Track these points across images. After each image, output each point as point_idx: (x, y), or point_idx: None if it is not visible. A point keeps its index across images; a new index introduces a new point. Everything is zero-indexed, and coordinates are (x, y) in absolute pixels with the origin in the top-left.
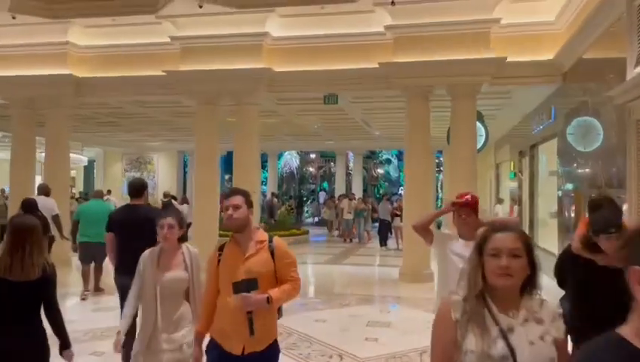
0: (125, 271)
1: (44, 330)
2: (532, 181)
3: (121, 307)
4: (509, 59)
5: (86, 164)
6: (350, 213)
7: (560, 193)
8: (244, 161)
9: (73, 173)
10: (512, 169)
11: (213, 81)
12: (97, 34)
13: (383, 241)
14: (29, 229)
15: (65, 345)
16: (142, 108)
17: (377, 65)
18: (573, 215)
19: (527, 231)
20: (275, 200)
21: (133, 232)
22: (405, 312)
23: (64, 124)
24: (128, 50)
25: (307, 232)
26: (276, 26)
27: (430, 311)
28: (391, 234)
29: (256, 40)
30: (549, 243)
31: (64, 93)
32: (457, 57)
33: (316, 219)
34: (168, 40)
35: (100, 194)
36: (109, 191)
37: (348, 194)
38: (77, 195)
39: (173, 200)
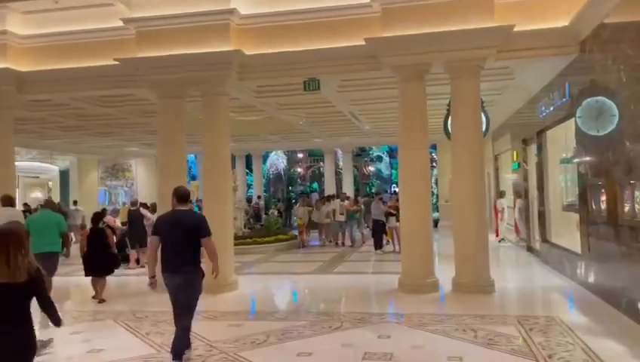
0: (170, 270)
1: (33, 332)
2: (540, 171)
3: (171, 301)
4: (516, 29)
5: (56, 173)
6: (342, 214)
7: (582, 182)
8: (215, 161)
9: (50, 183)
10: (514, 159)
11: (175, 68)
12: (40, 20)
13: (378, 244)
14: (13, 234)
15: (57, 323)
16: (105, 108)
17: (363, 43)
18: (604, 207)
19: (537, 227)
20: (262, 203)
21: (176, 235)
22: (409, 336)
23: (7, 127)
24: (76, 38)
25: (295, 237)
26: (244, 1)
27: (439, 332)
28: (386, 235)
29: (221, 19)
30: (565, 239)
31: (4, 91)
32: (456, 28)
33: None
34: (121, 23)
35: (50, 204)
36: (75, 202)
37: (339, 194)
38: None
39: (143, 209)
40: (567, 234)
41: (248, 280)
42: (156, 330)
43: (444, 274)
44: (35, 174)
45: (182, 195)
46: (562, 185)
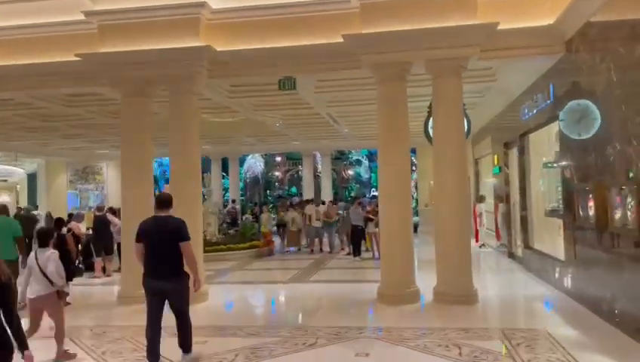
0: (152, 276)
1: (7, 335)
2: (523, 175)
3: (148, 308)
4: (500, 27)
5: (24, 176)
6: (319, 220)
7: (567, 187)
8: (183, 164)
9: (18, 187)
10: (495, 163)
11: (141, 64)
12: None
13: (357, 251)
14: None
15: (24, 347)
16: (71, 107)
17: (341, 40)
18: (592, 213)
19: (519, 233)
20: (238, 207)
21: (157, 241)
22: (389, 353)
23: None
24: (33, 32)
25: (271, 243)
26: None
27: (421, 349)
28: (365, 241)
29: (191, 13)
30: (547, 245)
31: None
32: (438, 25)
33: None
34: (82, 17)
35: (4, 210)
36: (36, 207)
37: (309, 200)
38: None
39: (110, 215)
40: (551, 240)
41: (220, 290)
42: (114, 349)
43: (425, 281)
44: (2, 177)
45: (161, 201)
46: (544, 189)
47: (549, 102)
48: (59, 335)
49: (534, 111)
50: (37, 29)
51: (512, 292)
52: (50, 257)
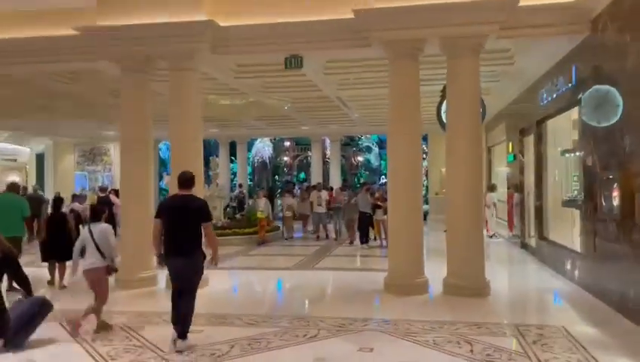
0: (171, 254)
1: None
2: (539, 163)
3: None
4: (520, 4)
5: (29, 156)
6: (320, 205)
7: (588, 176)
8: (183, 145)
9: (27, 167)
10: (510, 151)
11: (141, 39)
12: None
13: (364, 238)
14: None
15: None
16: (72, 85)
17: (352, 15)
18: (616, 203)
19: (533, 223)
20: (245, 191)
21: (178, 219)
22: (395, 349)
23: None
24: (29, 5)
25: (277, 228)
26: None
27: (430, 344)
28: (372, 228)
29: None
30: (563, 236)
31: None
32: (455, 0)
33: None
34: None
35: (14, 188)
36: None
37: (316, 186)
38: None
39: (113, 196)
40: (567, 231)
41: (221, 276)
42: (105, 335)
43: (434, 271)
44: (10, 157)
45: (182, 180)
46: (560, 178)
47: (570, 85)
48: (98, 308)
49: (554, 95)
50: (35, 1)
51: (526, 284)
52: (106, 231)
